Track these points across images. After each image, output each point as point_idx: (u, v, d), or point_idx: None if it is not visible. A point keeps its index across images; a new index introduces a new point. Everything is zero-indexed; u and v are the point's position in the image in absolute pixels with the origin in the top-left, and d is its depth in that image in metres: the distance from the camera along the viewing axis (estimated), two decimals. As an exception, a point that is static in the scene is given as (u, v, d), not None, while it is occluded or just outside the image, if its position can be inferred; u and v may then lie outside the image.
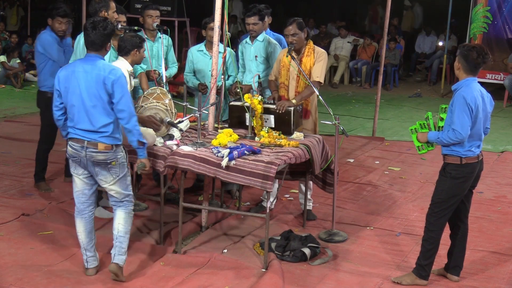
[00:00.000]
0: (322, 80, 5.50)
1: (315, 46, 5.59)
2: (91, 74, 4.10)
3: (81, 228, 4.36)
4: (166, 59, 6.14)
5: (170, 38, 6.29)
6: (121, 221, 4.31)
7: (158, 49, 6.03)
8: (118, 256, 4.29)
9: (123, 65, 4.91)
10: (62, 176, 6.53)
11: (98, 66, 4.12)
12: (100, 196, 5.62)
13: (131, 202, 4.37)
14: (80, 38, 5.52)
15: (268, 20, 6.29)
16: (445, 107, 4.48)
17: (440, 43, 14.76)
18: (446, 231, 4.54)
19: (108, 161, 4.17)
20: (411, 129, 4.64)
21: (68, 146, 4.26)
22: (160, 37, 6.01)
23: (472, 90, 4.22)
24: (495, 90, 12.56)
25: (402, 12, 17.40)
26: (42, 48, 6.03)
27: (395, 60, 14.21)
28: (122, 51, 5.01)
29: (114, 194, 4.29)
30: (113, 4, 5.50)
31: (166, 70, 6.01)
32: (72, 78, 4.16)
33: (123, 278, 4.32)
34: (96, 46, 4.18)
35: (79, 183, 4.32)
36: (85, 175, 4.29)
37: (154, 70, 5.88)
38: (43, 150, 6.23)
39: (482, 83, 4.50)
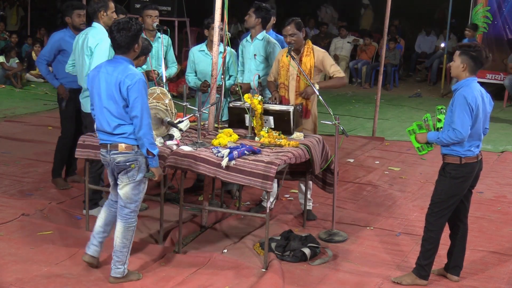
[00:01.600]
0: (343, 74, 5.60)
1: (314, 46, 5.59)
2: (111, 76, 4.07)
3: (103, 216, 4.39)
4: (165, 59, 6.15)
5: (169, 38, 6.30)
6: (118, 234, 4.27)
7: (158, 49, 6.03)
8: (114, 270, 4.29)
9: None
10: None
11: (119, 69, 4.06)
12: (100, 196, 5.63)
13: (134, 214, 4.28)
14: (79, 38, 5.53)
15: (272, 20, 6.34)
16: (441, 108, 4.48)
17: (442, 45, 14.76)
18: (446, 231, 4.54)
19: (128, 163, 4.13)
20: (409, 130, 4.62)
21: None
22: (159, 37, 6.02)
23: (472, 90, 4.22)
24: (495, 90, 12.55)
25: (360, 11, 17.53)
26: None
27: (395, 60, 14.22)
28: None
29: (122, 195, 4.21)
30: (112, 4, 5.50)
31: (165, 70, 6.01)
32: (96, 78, 4.15)
33: (131, 279, 4.33)
34: (122, 49, 4.11)
35: (112, 189, 4.37)
36: (114, 184, 4.32)
37: (154, 70, 5.88)
38: (62, 146, 6.22)
39: (482, 83, 4.49)
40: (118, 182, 4.24)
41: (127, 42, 4.09)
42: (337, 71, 5.55)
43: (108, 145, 4.15)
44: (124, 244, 4.26)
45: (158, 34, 6.05)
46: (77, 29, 6.05)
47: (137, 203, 4.27)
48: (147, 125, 4.07)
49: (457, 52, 4.31)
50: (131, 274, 4.36)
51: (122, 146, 4.12)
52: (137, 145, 4.14)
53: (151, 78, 5.82)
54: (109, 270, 4.34)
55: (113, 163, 4.16)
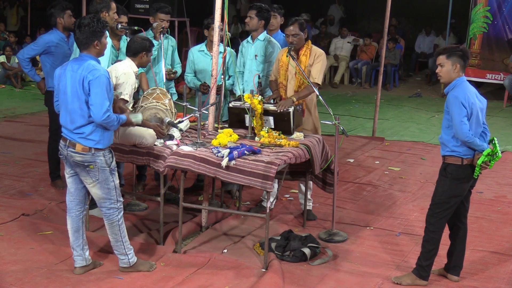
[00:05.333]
0: (320, 82, 5.48)
1: (313, 46, 5.58)
2: (76, 73, 4.12)
3: (69, 226, 4.43)
4: (171, 59, 6.21)
5: (173, 39, 6.33)
6: (108, 231, 4.39)
7: (162, 49, 6.07)
8: (120, 261, 4.43)
9: (129, 65, 4.92)
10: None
11: (83, 66, 4.12)
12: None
13: (113, 210, 4.32)
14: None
15: (280, 21, 6.38)
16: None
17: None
18: (446, 231, 4.54)
19: (86, 163, 4.18)
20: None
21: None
22: (166, 37, 6.06)
23: (464, 89, 4.24)
24: (495, 90, 12.58)
25: None
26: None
27: (395, 60, 14.22)
28: (130, 52, 5.00)
29: (94, 196, 4.32)
30: (114, 5, 5.51)
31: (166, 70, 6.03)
32: (62, 76, 4.20)
33: (140, 269, 4.46)
34: (83, 45, 4.18)
35: (67, 181, 4.39)
36: (71, 174, 4.34)
37: (170, 69, 5.96)
38: (53, 148, 6.21)
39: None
40: (85, 184, 4.29)
41: (86, 37, 4.14)
42: (315, 77, 5.44)
43: (68, 140, 4.20)
44: (116, 238, 4.35)
45: (166, 35, 6.09)
46: (68, 30, 6.05)
47: (112, 200, 4.30)
48: (107, 115, 4.09)
49: (443, 57, 4.29)
50: (140, 264, 4.46)
51: (79, 147, 4.16)
52: (95, 148, 4.16)
53: (168, 77, 5.92)
54: (108, 268, 4.41)
55: (70, 159, 4.22)
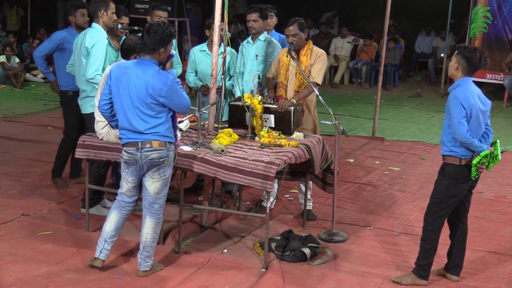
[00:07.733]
0: (319, 81, 5.49)
1: (314, 46, 5.58)
2: (141, 79, 4.12)
3: (114, 220, 4.40)
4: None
5: (175, 39, 6.31)
6: (149, 230, 4.36)
7: None
8: (144, 264, 4.39)
9: None
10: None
11: (149, 72, 4.13)
12: (101, 197, 5.63)
13: (162, 208, 4.39)
14: (78, 39, 5.53)
15: (275, 20, 6.37)
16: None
17: (442, 55, 14.77)
18: (446, 231, 4.55)
19: (162, 159, 4.21)
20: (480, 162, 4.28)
21: (123, 152, 4.28)
22: None
23: (465, 90, 4.23)
24: (495, 90, 12.58)
25: None
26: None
27: (395, 60, 14.22)
28: (122, 54, 4.99)
29: (152, 191, 4.29)
30: (112, 5, 5.49)
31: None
32: (124, 79, 4.18)
33: (157, 270, 4.47)
34: (149, 50, 4.17)
35: (127, 187, 4.39)
36: (133, 183, 4.36)
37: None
38: (65, 147, 6.22)
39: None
40: (146, 179, 4.29)
41: (154, 43, 4.15)
42: (315, 77, 5.44)
43: (139, 143, 4.19)
44: (154, 238, 4.38)
45: None
46: (81, 28, 6.05)
47: (165, 197, 4.39)
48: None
49: (455, 52, 4.36)
50: (155, 265, 4.49)
51: (155, 143, 4.19)
52: (169, 142, 4.25)
53: None
54: (108, 269, 4.39)
55: (145, 160, 4.20)
